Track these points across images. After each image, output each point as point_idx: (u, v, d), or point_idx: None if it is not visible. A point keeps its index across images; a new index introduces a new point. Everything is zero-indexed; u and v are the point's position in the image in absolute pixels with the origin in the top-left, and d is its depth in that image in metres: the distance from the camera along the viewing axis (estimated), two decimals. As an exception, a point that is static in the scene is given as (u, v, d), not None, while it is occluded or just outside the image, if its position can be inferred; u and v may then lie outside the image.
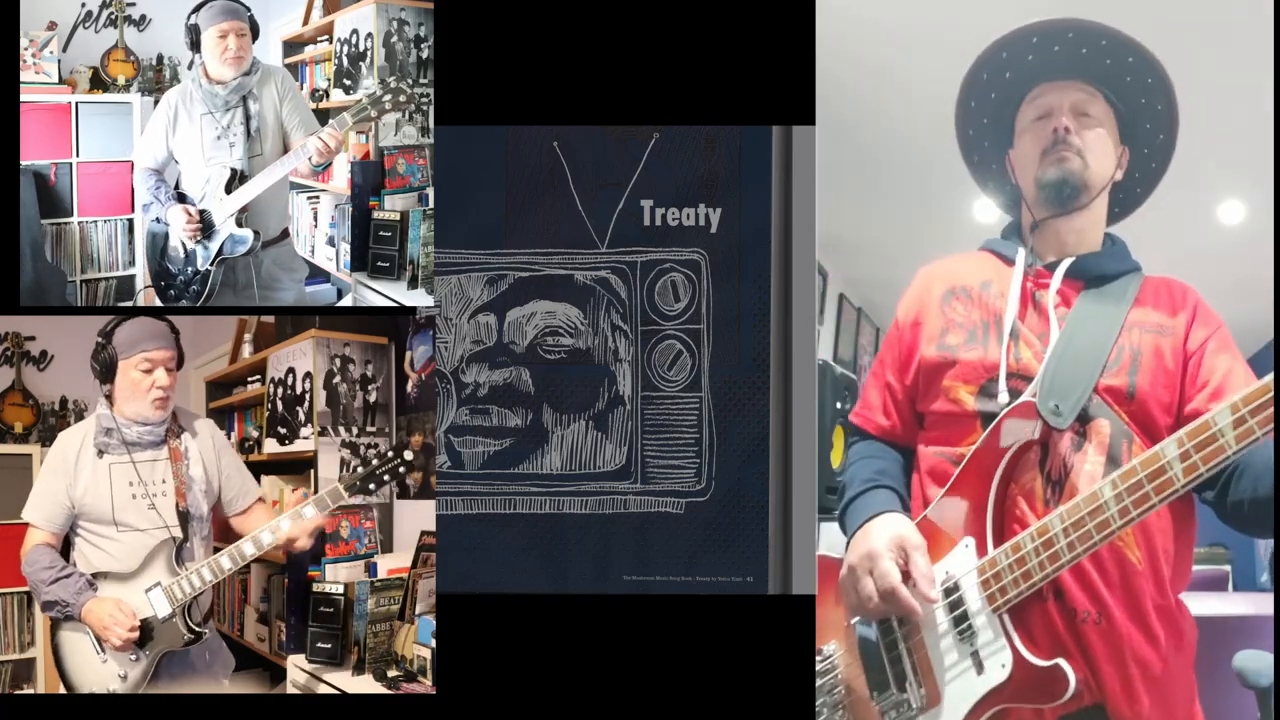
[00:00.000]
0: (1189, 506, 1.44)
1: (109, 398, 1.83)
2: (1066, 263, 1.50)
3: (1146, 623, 1.41)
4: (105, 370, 1.81)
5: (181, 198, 1.98)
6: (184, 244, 1.96)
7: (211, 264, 1.95)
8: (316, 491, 2.09)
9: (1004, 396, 1.45)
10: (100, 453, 1.81)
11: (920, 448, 1.57)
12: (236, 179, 1.95)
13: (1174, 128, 1.51)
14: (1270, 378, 1.27)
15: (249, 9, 1.96)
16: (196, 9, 1.93)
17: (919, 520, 1.50)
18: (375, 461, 1.80)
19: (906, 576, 1.43)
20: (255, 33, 1.98)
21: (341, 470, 2.15)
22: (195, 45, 1.95)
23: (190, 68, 2.00)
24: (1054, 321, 1.47)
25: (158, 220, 2.00)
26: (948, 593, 1.43)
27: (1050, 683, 1.36)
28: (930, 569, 1.44)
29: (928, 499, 1.53)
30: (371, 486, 1.81)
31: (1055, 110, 1.49)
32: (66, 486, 1.80)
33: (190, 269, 1.97)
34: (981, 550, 1.43)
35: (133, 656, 1.75)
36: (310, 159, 1.89)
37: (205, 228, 1.95)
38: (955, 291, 1.57)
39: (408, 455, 1.80)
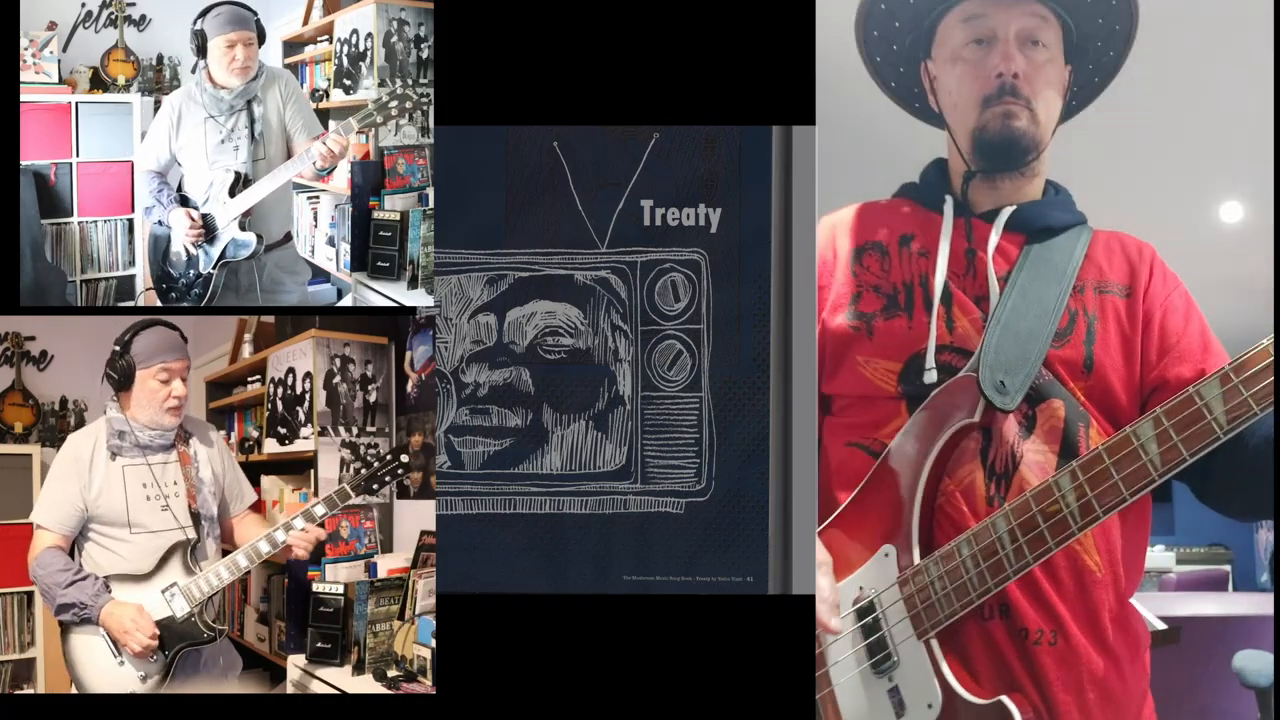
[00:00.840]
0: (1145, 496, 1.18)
1: (119, 402, 1.84)
2: (1006, 212, 1.27)
3: (1104, 638, 1.19)
4: (123, 379, 1.83)
5: (184, 200, 1.98)
6: (186, 248, 1.97)
7: (214, 267, 1.96)
8: (317, 491, 2.10)
9: (932, 375, 1.22)
10: (113, 455, 1.82)
11: (826, 438, 1.36)
12: (240, 183, 1.95)
13: (1128, 46, 1.29)
14: (1270, 339, 1.05)
15: (255, 14, 1.96)
16: (203, 14, 1.93)
17: (824, 528, 1.29)
18: (376, 464, 1.81)
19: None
20: (262, 39, 1.98)
21: (342, 470, 2.15)
22: (201, 51, 1.95)
23: (194, 71, 2.00)
24: (993, 282, 1.24)
25: (160, 223, 2.00)
26: (861, 614, 1.20)
27: None
28: (834, 591, 1.22)
29: (836, 501, 1.32)
30: (375, 487, 1.82)
31: (999, 40, 1.24)
32: (80, 489, 1.80)
33: (192, 272, 1.97)
34: (905, 560, 1.19)
35: (152, 659, 1.75)
36: (315, 163, 1.90)
37: (208, 231, 1.96)
38: (868, 248, 1.35)
39: (405, 458, 1.81)
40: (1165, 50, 1.41)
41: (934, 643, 1.15)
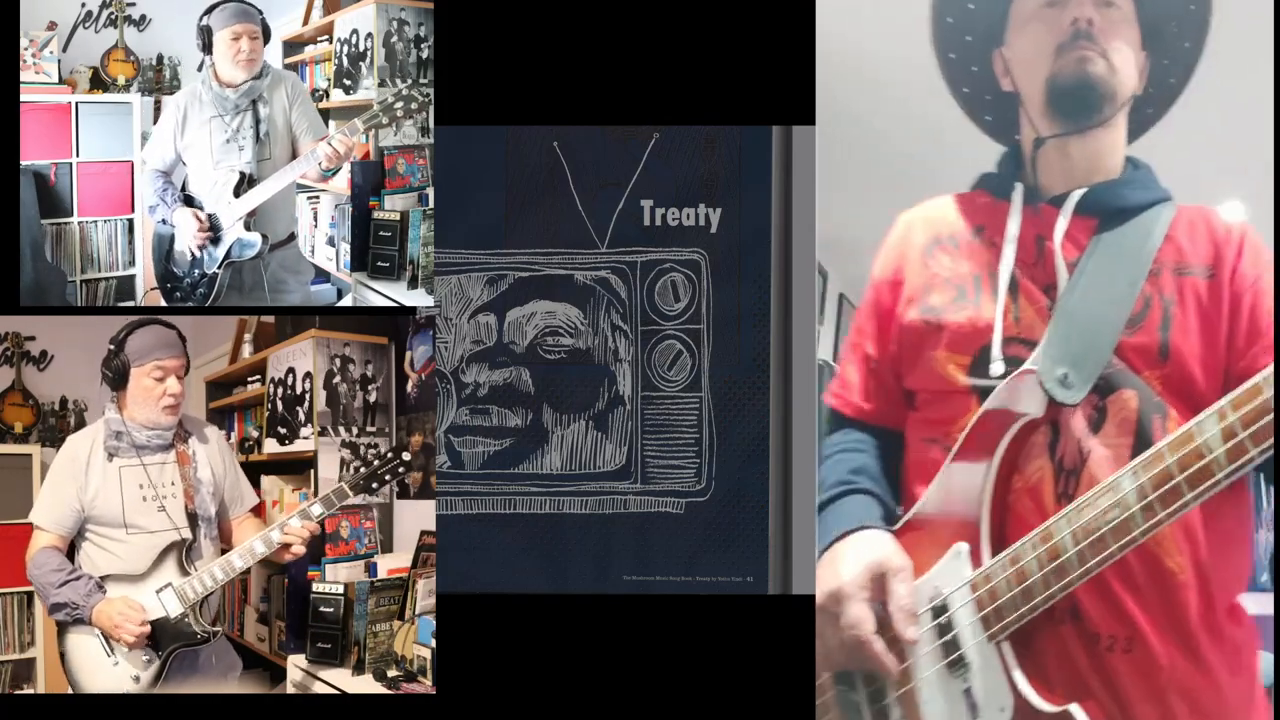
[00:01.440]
0: (1241, 483, 1.12)
1: (116, 403, 1.84)
2: (1076, 194, 1.20)
3: (1192, 645, 1.10)
4: (117, 377, 1.82)
5: (189, 200, 1.98)
6: (191, 249, 1.97)
7: (219, 267, 1.96)
8: (317, 492, 2.09)
9: (998, 366, 1.16)
10: (110, 456, 1.82)
11: (909, 433, 1.30)
12: (245, 183, 1.95)
13: (1204, 34, 1.23)
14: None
15: (260, 11, 1.96)
16: (209, 11, 1.93)
17: (903, 525, 1.23)
18: (376, 462, 1.81)
19: (885, 611, 1.14)
20: (267, 35, 1.98)
21: (342, 470, 2.15)
22: (207, 47, 1.95)
23: (200, 69, 2.00)
24: (1061, 269, 1.18)
25: (164, 222, 2.00)
26: (936, 613, 1.14)
27: None
28: (912, 599, 1.13)
29: (915, 499, 1.24)
30: (374, 486, 1.81)
31: None
32: (78, 490, 1.80)
33: (197, 271, 1.97)
34: (976, 560, 1.12)
35: (145, 657, 1.74)
36: (320, 164, 1.90)
37: (213, 231, 1.96)
38: (941, 240, 1.29)
39: (406, 456, 1.81)
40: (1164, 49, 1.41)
41: (1005, 645, 1.10)
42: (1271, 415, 0.94)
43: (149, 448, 1.83)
